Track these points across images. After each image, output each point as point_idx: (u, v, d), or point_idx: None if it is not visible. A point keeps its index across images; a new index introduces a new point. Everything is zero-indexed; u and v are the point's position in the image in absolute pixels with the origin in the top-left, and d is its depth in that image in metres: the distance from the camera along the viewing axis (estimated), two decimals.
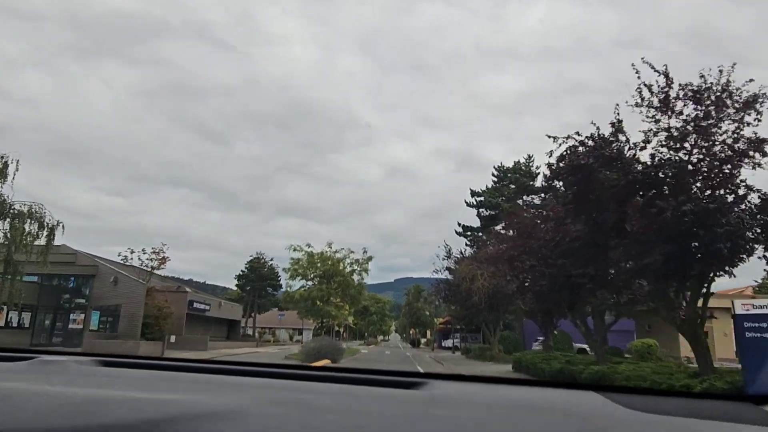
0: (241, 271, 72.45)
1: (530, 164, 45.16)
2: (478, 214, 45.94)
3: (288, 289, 33.70)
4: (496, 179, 45.59)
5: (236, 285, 73.61)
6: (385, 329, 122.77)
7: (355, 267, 32.80)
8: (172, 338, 39.16)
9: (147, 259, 32.91)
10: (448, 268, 34.54)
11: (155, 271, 32.85)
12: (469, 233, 44.99)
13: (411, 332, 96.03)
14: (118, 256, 32.97)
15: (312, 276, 32.05)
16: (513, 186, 44.56)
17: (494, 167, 45.88)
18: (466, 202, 45.21)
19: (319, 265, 31.49)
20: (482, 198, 44.40)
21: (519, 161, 45.28)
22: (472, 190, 45.32)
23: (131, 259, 32.91)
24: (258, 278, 70.22)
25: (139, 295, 31.24)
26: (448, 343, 66.92)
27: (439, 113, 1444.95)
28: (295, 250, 31.49)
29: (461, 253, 34.73)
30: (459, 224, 45.55)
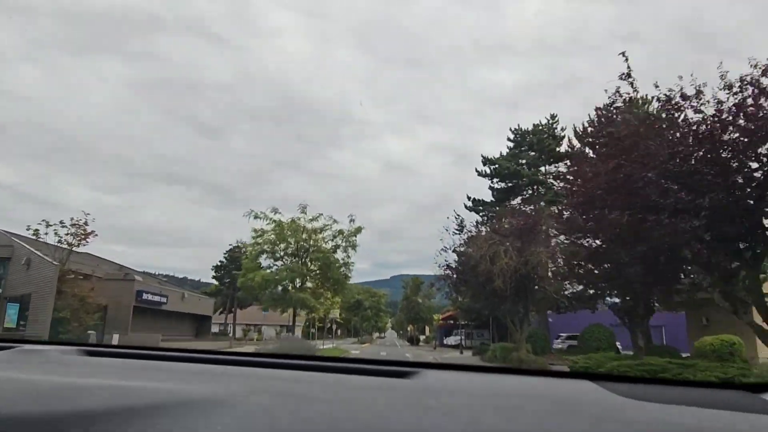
0: (219, 261, 64.28)
1: (554, 126, 37.50)
2: (491, 188, 38.35)
3: (247, 271, 24.90)
4: (512, 144, 37.93)
5: (213, 277, 65.35)
6: (380, 326, 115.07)
7: (339, 241, 24.57)
8: (115, 338, 31.61)
9: (66, 234, 25.36)
10: (456, 250, 26.80)
11: (75, 249, 25.24)
12: (480, 208, 37.26)
13: (409, 329, 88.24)
14: (27, 229, 25.31)
15: (282, 254, 24.04)
16: (532, 153, 36.97)
17: (510, 129, 38.20)
18: (477, 170, 37.57)
19: (291, 240, 23.41)
20: (497, 166, 36.69)
21: (540, 122, 37.63)
22: (484, 157, 37.63)
23: (46, 233, 25.34)
24: (238, 269, 62.21)
25: (50, 281, 23.46)
26: (451, 340, 59.67)
27: (435, 108, 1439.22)
28: (257, 217, 23.35)
29: (477, 226, 27.04)
30: (468, 198, 37.88)
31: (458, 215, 26.82)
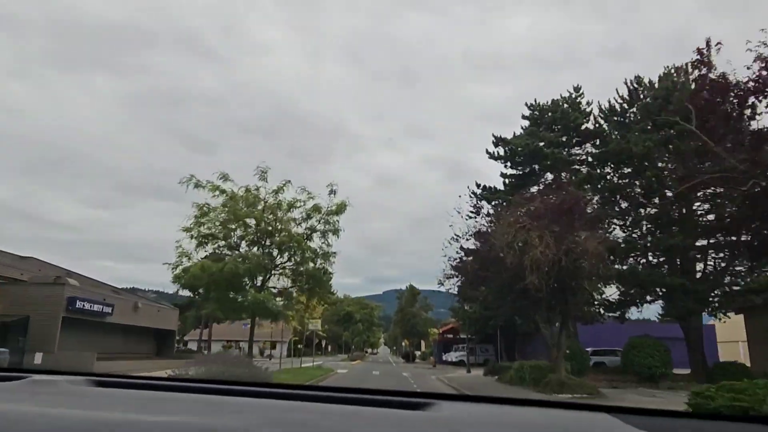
0: None
1: (578, 99, 31.59)
2: (503, 174, 32.28)
3: (179, 262, 17.69)
4: (530, 121, 31.95)
5: None
6: (373, 341, 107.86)
7: (316, 223, 17.90)
8: (37, 357, 25.09)
9: None
10: (464, 246, 20.67)
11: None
12: (492, 196, 31.08)
13: (404, 344, 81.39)
14: None
15: (239, 240, 17.36)
16: (552, 133, 30.98)
17: (527, 105, 32.23)
18: (487, 152, 31.43)
19: (249, 221, 16.71)
20: (512, 146, 30.62)
21: (561, 96, 31.70)
22: (495, 138, 31.60)
23: None
24: None
25: None
26: (451, 356, 53.03)
27: (427, 122, 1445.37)
28: (198, 186, 16.68)
29: (498, 206, 20.88)
30: (478, 185, 31.64)
31: (473, 193, 20.61)
